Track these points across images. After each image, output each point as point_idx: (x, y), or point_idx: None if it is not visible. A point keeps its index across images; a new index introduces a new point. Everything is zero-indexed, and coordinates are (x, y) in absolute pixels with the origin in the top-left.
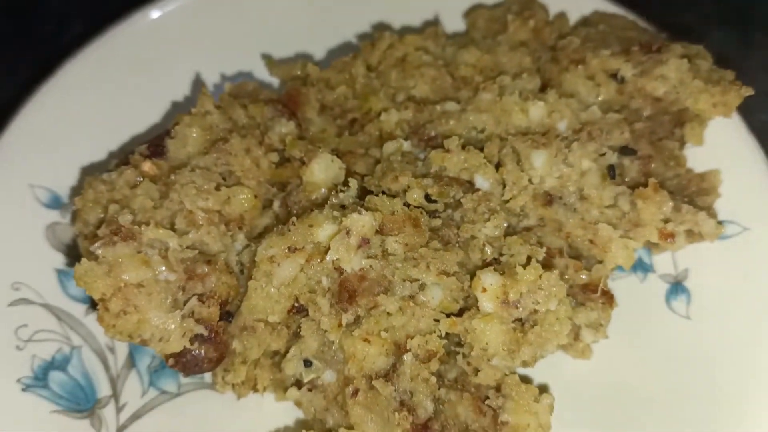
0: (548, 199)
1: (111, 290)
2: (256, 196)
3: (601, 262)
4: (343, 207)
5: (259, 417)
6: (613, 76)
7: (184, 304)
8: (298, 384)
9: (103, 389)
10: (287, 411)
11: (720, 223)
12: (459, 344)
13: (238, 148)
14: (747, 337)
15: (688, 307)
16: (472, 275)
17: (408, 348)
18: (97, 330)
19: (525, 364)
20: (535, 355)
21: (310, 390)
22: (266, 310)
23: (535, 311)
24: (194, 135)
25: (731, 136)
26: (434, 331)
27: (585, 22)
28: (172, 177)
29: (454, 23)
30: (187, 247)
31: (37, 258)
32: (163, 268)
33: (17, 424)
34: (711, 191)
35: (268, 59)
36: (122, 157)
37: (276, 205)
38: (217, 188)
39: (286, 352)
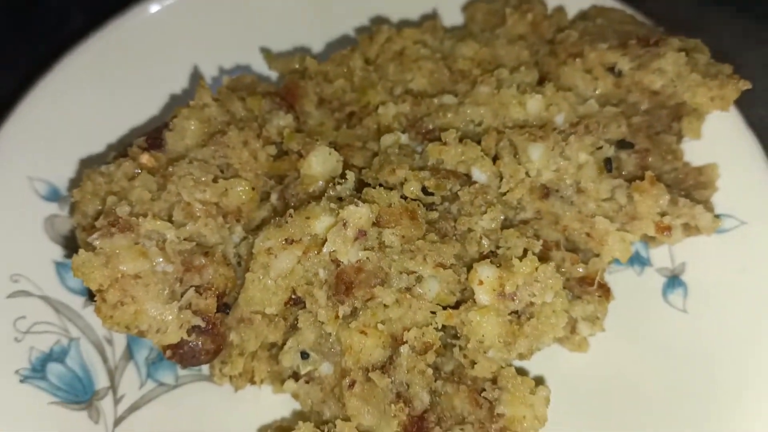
0: (545, 192)
1: (108, 281)
2: (253, 189)
3: (597, 255)
4: (340, 199)
5: (256, 409)
6: (611, 69)
7: (182, 296)
8: (296, 376)
9: (101, 381)
10: (284, 403)
11: (717, 216)
12: (455, 336)
13: (235, 140)
14: (744, 330)
15: (685, 300)
16: (469, 268)
17: (404, 340)
18: (95, 322)
19: (521, 356)
20: (532, 348)
21: (307, 382)
22: (263, 302)
23: (532, 304)
24: (192, 127)
25: (729, 130)
26: (431, 324)
27: (583, 15)
28: (170, 169)
29: (453, 17)
30: (185, 239)
31: (36, 250)
32: (161, 259)
33: (15, 415)
34: (708, 185)
35: (266, 52)
36: (120, 150)
37: (273, 197)
38: (215, 180)
39: (284, 344)
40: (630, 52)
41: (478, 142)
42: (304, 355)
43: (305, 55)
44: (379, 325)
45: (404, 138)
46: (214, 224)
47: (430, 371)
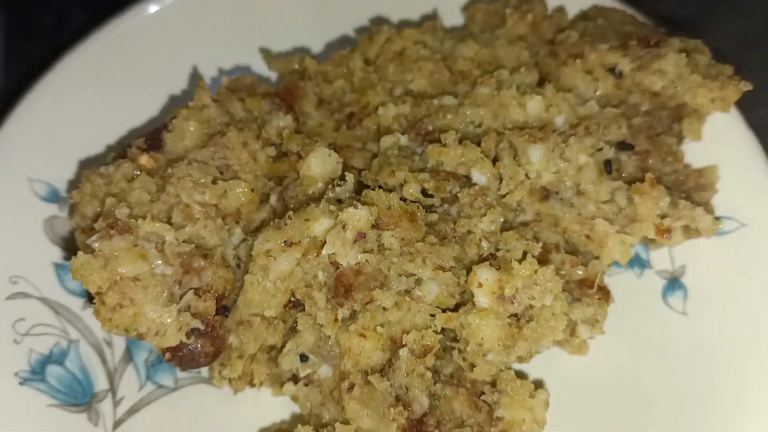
0: (545, 194)
1: (107, 284)
2: (252, 190)
3: (597, 257)
4: (339, 201)
5: (255, 411)
6: (611, 70)
7: (181, 298)
8: (295, 379)
9: (101, 383)
10: (284, 405)
11: (717, 218)
12: (455, 339)
13: (235, 141)
14: (744, 333)
15: (685, 303)
16: (468, 270)
17: (404, 343)
18: (95, 324)
19: (520, 359)
20: (531, 351)
21: (306, 385)
22: (263, 305)
23: (531, 306)
24: (191, 128)
25: (729, 132)
26: (430, 326)
27: (583, 16)
28: (169, 170)
29: (453, 17)
30: (184, 241)
31: (35, 252)
32: (160, 261)
33: (14, 418)
34: (708, 187)
35: (265, 53)
36: (120, 151)
37: (273, 199)
38: (214, 182)
39: (283, 346)
40: (630, 52)
41: (478, 144)
42: (304, 358)
43: (305, 56)
44: (378, 328)
45: (404, 139)
46: (213, 226)
47: (429, 374)
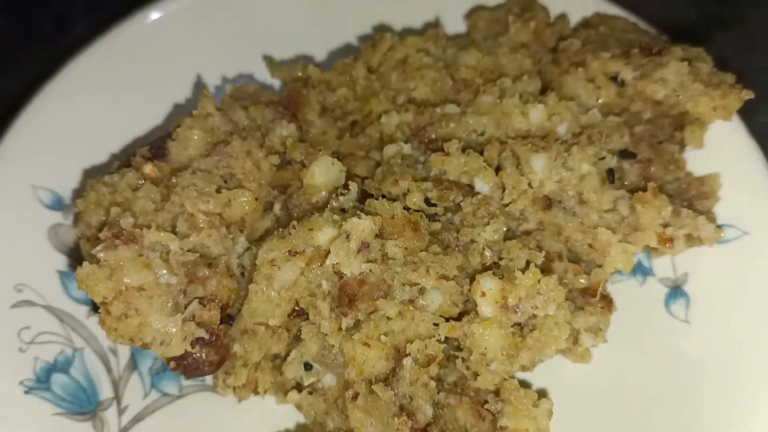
0: (548, 203)
1: (112, 294)
2: (257, 199)
3: (600, 266)
4: (343, 210)
5: (259, 420)
6: (614, 78)
7: (185, 308)
8: (299, 387)
9: (105, 391)
10: (288, 414)
11: (719, 227)
12: (458, 348)
13: (239, 150)
14: (746, 341)
15: (688, 311)
16: (472, 279)
17: (407, 352)
18: (99, 332)
19: (524, 368)
20: (534, 360)
21: (310, 393)
22: (267, 314)
23: (534, 316)
24: (195, 137)
25: (731, 140)
26: (433, 336)
27: (586, 23)
28: (174, 179)
29: (455, 25)
30: (188, 250)
31: (40, 260)
32: (164, 271)
33: (20, 426)
34: (710, 195)
35: (269, 61)
36: (124, 159)
37: (277, 207)
38: (218, 191)
39: (287, 355)
40: (633, 61)
41: (481, 152)
42: (307, 367)
43: (308, 64)
44: (382, 337)
45: (407, 148)
46: (218, 235)
47: (432, 383)
